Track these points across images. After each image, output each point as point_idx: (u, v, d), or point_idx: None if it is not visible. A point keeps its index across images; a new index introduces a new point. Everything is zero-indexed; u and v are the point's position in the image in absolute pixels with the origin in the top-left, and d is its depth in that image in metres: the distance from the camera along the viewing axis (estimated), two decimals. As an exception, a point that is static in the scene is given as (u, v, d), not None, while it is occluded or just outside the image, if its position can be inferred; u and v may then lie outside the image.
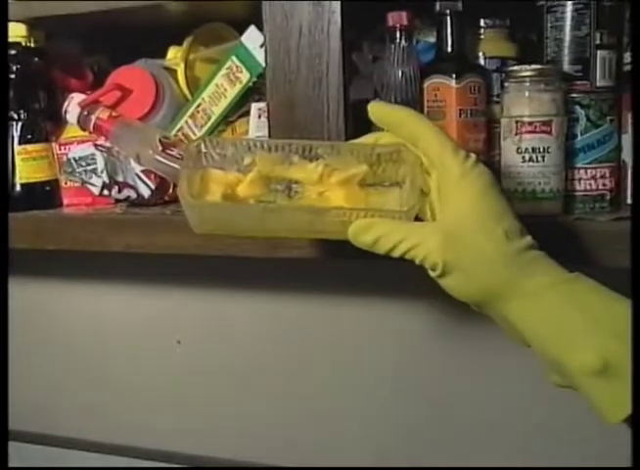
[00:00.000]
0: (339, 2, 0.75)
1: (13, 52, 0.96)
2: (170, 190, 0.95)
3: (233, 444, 1.29)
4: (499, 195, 0.58)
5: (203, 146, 0.64)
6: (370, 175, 0.64)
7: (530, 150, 0.74)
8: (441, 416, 1.18)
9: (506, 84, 0.77)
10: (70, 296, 1.36)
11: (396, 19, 0.79)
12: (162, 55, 1.05)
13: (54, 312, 1.38)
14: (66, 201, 0.99)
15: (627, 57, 0.78)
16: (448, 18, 0.78)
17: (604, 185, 0.78)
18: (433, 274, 0.58)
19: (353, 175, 0.63)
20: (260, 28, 0.87)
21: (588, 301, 0.54)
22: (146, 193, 0.93)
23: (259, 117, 0.91)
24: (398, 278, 1.11)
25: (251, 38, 0.91)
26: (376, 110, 0.62)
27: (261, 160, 0.63)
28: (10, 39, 0.96)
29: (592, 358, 0.51)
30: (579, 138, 0.77)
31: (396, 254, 0.58)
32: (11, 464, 1.39)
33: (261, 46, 0.88)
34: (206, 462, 1.30)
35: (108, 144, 0.94)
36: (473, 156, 0.59)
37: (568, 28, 0.77)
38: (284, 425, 1.26)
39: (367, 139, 0.65)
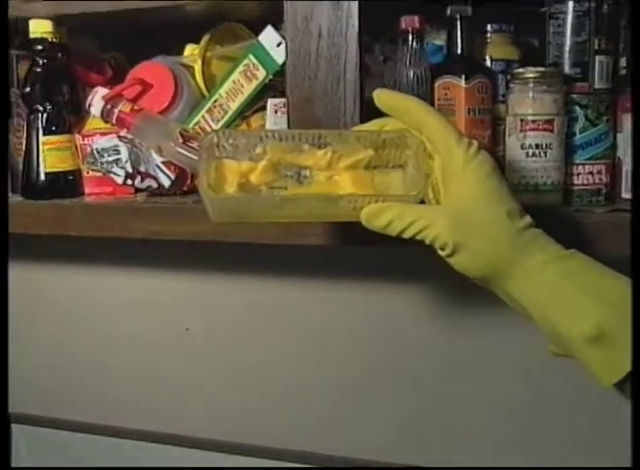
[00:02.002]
0: (356, 4, 0.81)
1: (39, 47, 1.01)
2: (189, 181, 1.00)
3: (233, 427, 1.34)
4: (500, 179, 0.64)
5: (216, 138, 0.68)
6: (375, 159, 0.68)
7: (534, 146, 0.80)
8: (435, 397, 1.23)
9: (511, 85, 0.83)
10: (88, 281, 1.40)
11: (409, 22, 0.85)
12: (180, 52, 1.10)
13: (73, 297, 1.42)
14: (87, 190, 1.04)
15: (623, 61, 0.84)
16: (458, 22, 0.84)
17: (600, 180, 0.84)
18: (442, 253, 0.63)
19: (360, 160, 0.68)
20: (276, 28, 0.93)
21: (583, 275, 0.60)
22: (166, 183, 0.98)
23: (276, 112, 0.96)
24: (398, 265, 1.17)
25: (269, 38, 0.96)
26: (383, 97, 0.66)
27: (272, 148, 0.68)
28: (36, 35, 1.01)
29: (588, 327, 0.57)
30: (578, 136, 0.83)
31: (408, 235, 0.63)
32: (32, 448, 1.44)
33: (278, 45, 0.94)
34: (209, 444, 1.35)
35: (130, 136, 0.99)
36: (475, 143, 0.63)
37: (568, 34, 0.83)
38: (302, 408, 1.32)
39: (373, 125, 0.69)
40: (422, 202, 0.64)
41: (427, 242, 0.62)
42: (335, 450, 1.29)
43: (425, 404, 1.24)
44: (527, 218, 0.63)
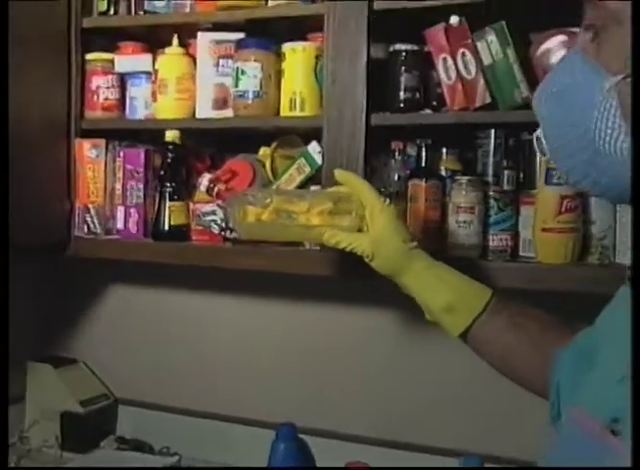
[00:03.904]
0: (363, 133, 1.40)
1: (170, 147, 1.62)
2: (259, 234, 1.58)
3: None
4: (399, 220, 1.13)
5: (244, 195, 1.25)
6: (334, 209, 1.18)
7: (462, 222, 1.37)
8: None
9: (453, 185, 1.40)
10: (186, 298, 1.98)
11: (396, 145, 1.44)
12: (256, 151, 1.70)
13: (186, 313, 2.00)
14: (194, 237, 1.63)
15: (521, 176, 1.41)
16: (423, 148, 1.42)
17: (506, 244, 1.40)
18: (366, 260, 1.12)
19: (325, 208, 1.19)
20: (318, 142, 1.52)
21: (444, 274, 1.11)
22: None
23: (315, 194, 1.55)
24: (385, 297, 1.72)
25: (313, 148, 1.55)
26: (340, 174, 1.19)
27: (275, 200, 1.21)
28: (169, 139, 1.62)
29: (441, 302, 1.08)
30: (493, 217, 1.39)
31: (347, 249, 1.13)
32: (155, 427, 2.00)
33: (319, 153, 1.53)
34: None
35: (224, 205, 1.58)
36: (387, 199, 1.14)
37: (490, 156, 1.41)
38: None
39: (334, 189, 1.22)
40: (359, 230, 1.14)
41: (358, 253, 1.13)
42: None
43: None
44: (414, 243, 1.12)
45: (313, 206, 1.19)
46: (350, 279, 1.51)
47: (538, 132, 0.76)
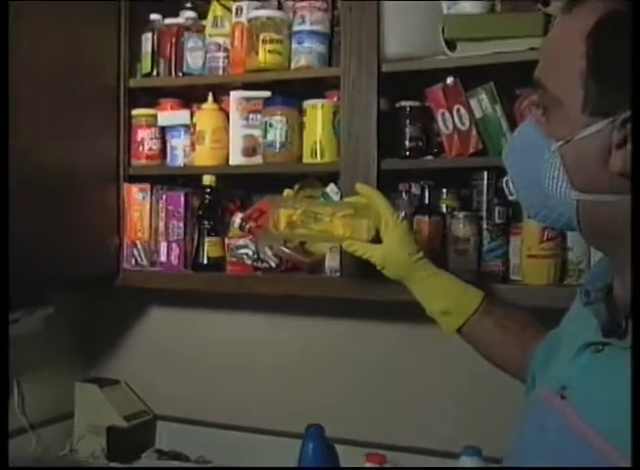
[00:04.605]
0: (375, 175, 1.65)
1: (208, 190, 1.87)
2: (285, 265, 1.82)
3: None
4: (410, 235, 1.37)
5: (279, 200, 1.51)
6: (353, 214, 1.41)
7: (460, 250, 1.61)
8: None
9: (452, 220, 1.64)
10: (219, 323, 2.24)
11: (403, 186, 1.69)
12: (281, 193, 1.95)
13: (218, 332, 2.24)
14: (229, 268, 1.87)
15: (510, 211, 1.66)
16: (426, 189, 1.67)
17: (498, 269, 1.64)
18: (378, 268, 1.36)
19: (346, 213, 1.42)
20: (335, 183, 1.77)
21: (443, 281, 1.34)
22: (274, 265, 1.80)
23: (334, 229, 1.80)
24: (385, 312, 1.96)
25: (332, 189, 1.80)
26: (362, 187, 1.42)
27: (305, 204, 1.47)
28: (206, 183, 1.87)
29: (439, 307, 1.32)
30: (486, 246, 1.64)
31: (363, 257, 1.37)
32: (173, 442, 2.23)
33: (336, 193, 1.78)
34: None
35: (255, 239, 1.82)
36: (401, 215, 1.38)
37: (484, 194, 1.66)
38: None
39: (354, 198, 1.44)
40: (373, 241, 1.38)
41: (371, 261, 1.36)
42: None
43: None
44: (421, 254, 1.35)
45: (337, 210, 1.43)
46: (364, 298, 1.74)
47: (507, 177, 1.01)
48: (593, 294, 0.92)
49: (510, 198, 1.11)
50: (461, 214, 1.64)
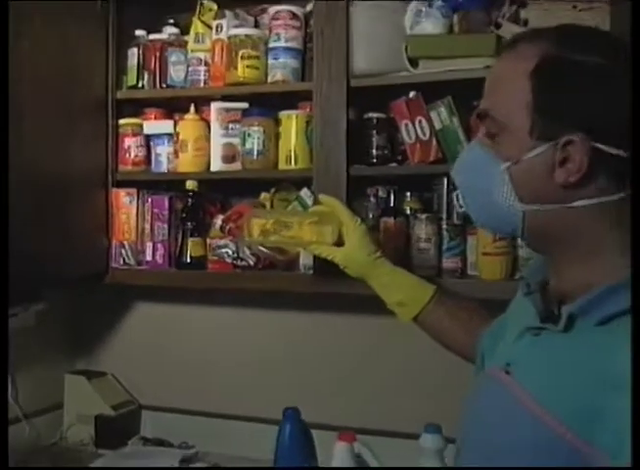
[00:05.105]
0: (345, 188, 1.81)
1: (190, 194, 2.02)
2: (262, 263, 1.97)
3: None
4: (368, 237, 1.52)
5: (254, 210, 1.67)
6: (318, 221, 1.57)
7: (423, 249, 1.78)
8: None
9: (415, 221, 1.81)
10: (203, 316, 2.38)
11: (370, 190, 1.86)
12: (257, 197, 2.10)
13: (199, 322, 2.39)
14: (210, 266, 2.02)
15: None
16: (392, 193, 1.84)
17: (457, 266, 1.81)
18: (341, 267, 1.52)
19: (312, 220, 1.59)
20: (309, 188, 1.93)
21: (399, 277, 1.50)
22: (252, 263, 1.96)
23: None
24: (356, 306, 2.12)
25: (305, 193, 1.96)
26: (324, 197, 1.59)
27: (276, 215, 1.64)
28: (189, 188, 2.02)
29: (395, 299, 1.49)
30: (446, 245, 1.80)
31: (328, 258, 1.53)
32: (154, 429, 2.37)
33: (309, 197, 1.94)
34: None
35: (234, 240, 1.98)
36: (359, 219, 1.54)
37: (444, 197, 1.83)
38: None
39: (318, 207, 1.61)
40: (337, 244, 1.53)
41: (335, 261, 1.52)
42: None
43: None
44: (379, 253, 1.51)
45: (304, 218, 1.61)
46: (331, 292, 1.89)
47: (457, 192, 1.17)
48: (532, 286, 1.10)
49: (459, 210, 1.27)
50: (423, 216, 1.80)
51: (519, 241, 1.73)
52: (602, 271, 0.97)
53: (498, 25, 1.74)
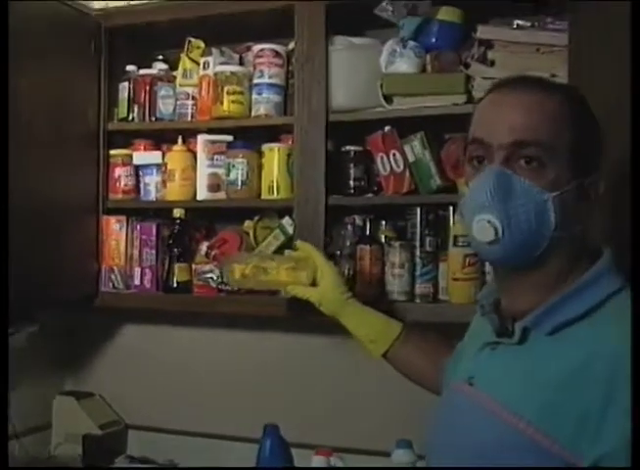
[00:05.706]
0: (323, 213, 1.91)
1: (177, 222, 2.12)
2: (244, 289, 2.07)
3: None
4: (340, 278, 1.63)
5: (233, 257, 1.78)
6: (295, 267, 1.68)
7: (397, 275, 1.88)
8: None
9: (390, 249, 1.91)
10: (188, 337, 2.47)
11: (348, 219, 1.96)
12: (241, 224, 2.20)
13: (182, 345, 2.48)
14: (195, 290, 2.12)
15: (439, 241, 1.93)
16: (367, 221, 1.94)
17: (429, 291, 1.91)
18: (316, 305, 1.61)
19: (289, 266, 1.69)
20: (290, 217, 2.03)
21: (368, 316, 1.59)
22: (235, 288, 2.05)
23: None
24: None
25: (287, 222, 2.07)
26: (300, 244, 1.71)
27: (255, 260, 1.73)
28: (176, 216, 2.12)
29: (366, 336, 1.57)
30: (419, 271, 1.91)
31: (304, 298, 1.63)
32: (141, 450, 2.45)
33: (291, 225, 2.04)
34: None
35: (218, 265, 2.07)
36: (331, 263, 1.66)
37: (417, 226, 1.93)
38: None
39: (294, 253, 1.74)
40: (312, 284, 1.64)
41: (311, 301, 1.61)
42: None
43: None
44: (349, 294, 1.61)
45: (281, 263, 1.70)
46: (308, 317, 1.96)
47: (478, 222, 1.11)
48: (486, 307, 1.21)
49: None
50: (397, 244, 1.91)
51: (487, 267, 1.84)
52: (552, 287, 1.11)
53: (467, 65, 1.86)
